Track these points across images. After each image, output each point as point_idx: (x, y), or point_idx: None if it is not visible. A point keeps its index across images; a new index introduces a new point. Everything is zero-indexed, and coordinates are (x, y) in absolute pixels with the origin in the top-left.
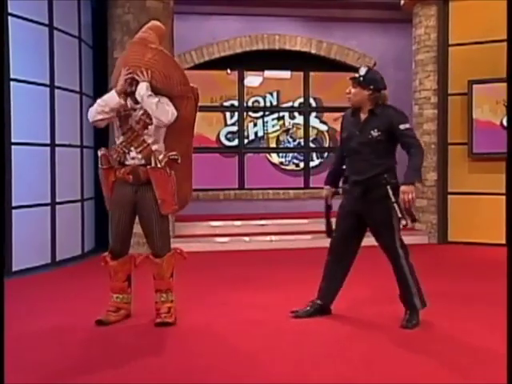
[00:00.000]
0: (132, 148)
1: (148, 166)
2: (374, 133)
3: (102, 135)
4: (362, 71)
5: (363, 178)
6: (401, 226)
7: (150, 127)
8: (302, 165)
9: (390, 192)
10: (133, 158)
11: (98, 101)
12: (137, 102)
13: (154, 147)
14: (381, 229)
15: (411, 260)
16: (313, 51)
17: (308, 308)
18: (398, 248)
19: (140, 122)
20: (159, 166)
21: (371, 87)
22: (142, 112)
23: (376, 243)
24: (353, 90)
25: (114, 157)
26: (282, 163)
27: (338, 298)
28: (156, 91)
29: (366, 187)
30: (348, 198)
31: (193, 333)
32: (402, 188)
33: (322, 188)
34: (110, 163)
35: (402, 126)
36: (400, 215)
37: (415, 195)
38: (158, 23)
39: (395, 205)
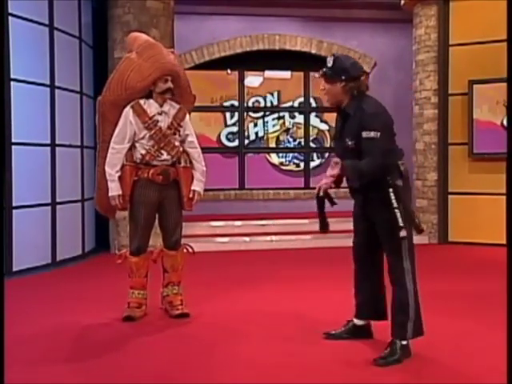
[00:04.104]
0: (163, 151)
1: (180, 165)
2: (348, 141)
3: None
4: (329, 62)
5: (358, 184)
6: (400, 235)
7: (180, 133)
8: (302, 165)
9: (392, 196)
10: (162, 160)
11: (106, 170)
12: (162, 105)
13: (181, 148)
14: (385, 235)
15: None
16: (313, 51)
17: (343, 329)
18: (404, 261)
19: (172, 128)
20: (188, 165)
21: (343, 78)
22: (171, 120)
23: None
24: (326, 87)
25: (146, 158)
26: (282, 163)
27: (338, 302)
28: (177, 92)
29: (366, 192)
30: (354, 202)
31: (192, 333)
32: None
33: None
34: (133, 161)
35: (364, 134)
36: (401, 224)
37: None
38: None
39: (396, 211)
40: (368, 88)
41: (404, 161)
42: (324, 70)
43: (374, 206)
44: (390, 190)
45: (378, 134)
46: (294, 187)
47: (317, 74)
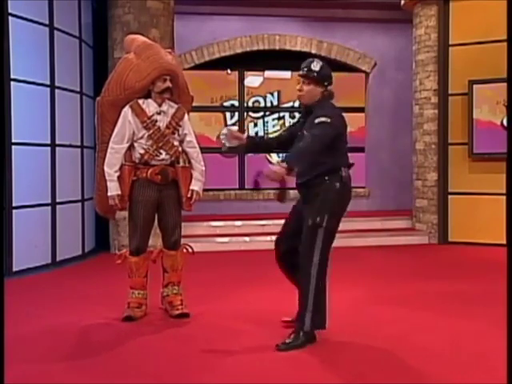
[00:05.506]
0: (162, 150)
1: (179, 165)
2: (305, 132)
3: None
4: (316, 66)
5: (303, 180)
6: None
7: (179, 132)
8: None
9: (324, 188)
10: (161, 160)
11: (105, 170)
12: (161, 105)
13: (180, 148)
14: (305, 225)
15: (326, 278)
16: (313, 51)
17: None
18: (314, 255)
19: (170, 127)
20: (187, 165)
21: (325, 84)
22: (169, 119)
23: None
24: (305, 88)
25: (145, 158)
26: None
27: (338, 302)
28: (175, 92)
29: (307, 188)
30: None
31: (192, 333)
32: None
33: None
34: (132, 161)
35: (316, 120)
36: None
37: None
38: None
39: (320, 199)
40: (333, 96)
41: (348, 171)
42: (309, 72)
43: (308, 199)
44: (325, 182)
45: (329, 119)
46: (294, 187)
47: (297, 73)
